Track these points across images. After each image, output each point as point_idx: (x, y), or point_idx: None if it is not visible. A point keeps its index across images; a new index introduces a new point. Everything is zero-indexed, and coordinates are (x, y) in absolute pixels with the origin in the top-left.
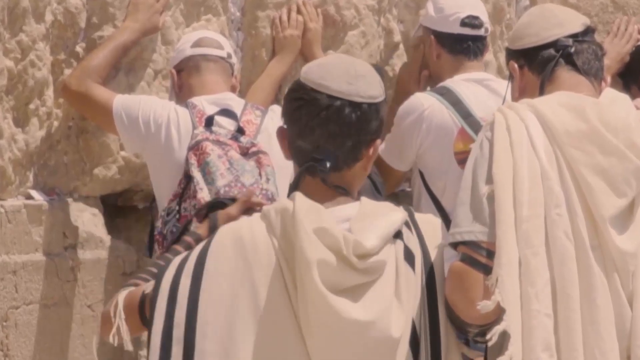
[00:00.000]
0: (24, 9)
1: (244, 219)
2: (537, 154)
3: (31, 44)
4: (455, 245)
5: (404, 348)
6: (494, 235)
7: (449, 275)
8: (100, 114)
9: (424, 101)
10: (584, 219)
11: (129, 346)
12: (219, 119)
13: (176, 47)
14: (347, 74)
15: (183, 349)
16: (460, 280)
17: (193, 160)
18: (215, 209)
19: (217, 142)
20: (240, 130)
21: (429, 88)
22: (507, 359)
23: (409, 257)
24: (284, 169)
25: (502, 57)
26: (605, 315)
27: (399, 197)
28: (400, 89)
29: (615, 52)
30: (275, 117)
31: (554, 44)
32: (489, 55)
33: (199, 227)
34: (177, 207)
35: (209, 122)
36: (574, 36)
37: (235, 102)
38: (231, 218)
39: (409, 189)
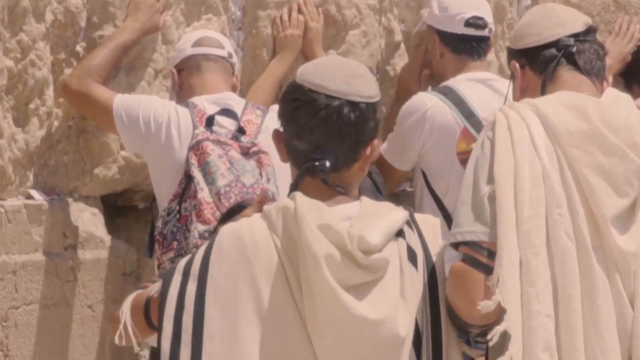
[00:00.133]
0: (24, 9)
1: (244, 220)
2: (539, 153)
3: (31, 44)
4: (456, 245)
5: (409, 347)
6: (495, 236)
7: (450, 275)
8: (100, 113)
9: (426, 101)
10: (586, 219)
11: (136, 348)
12: (219, 118)
13: (177, 46)
14: (344, 74)
15: (191, 352)
16: (462, 281)
17: (193, 160)
18: (236, 214)
19: (218, 142)
20: (241, 130)
21: (430, 87)
22: (508, 359)
23: (411, 255)
24: (284, 168)
25: (504, 56)
26: (606, 315)
27: (400, 197)
28: (401, 89)
29: (617, 51)
30: (276, 116)
31: (555, 44)
32: (490, 55)
33: None
34: (177, 207)
35: (210, 121)
36: (576, 36)
37: (236, 102)
38: None
39: (409, 189)
